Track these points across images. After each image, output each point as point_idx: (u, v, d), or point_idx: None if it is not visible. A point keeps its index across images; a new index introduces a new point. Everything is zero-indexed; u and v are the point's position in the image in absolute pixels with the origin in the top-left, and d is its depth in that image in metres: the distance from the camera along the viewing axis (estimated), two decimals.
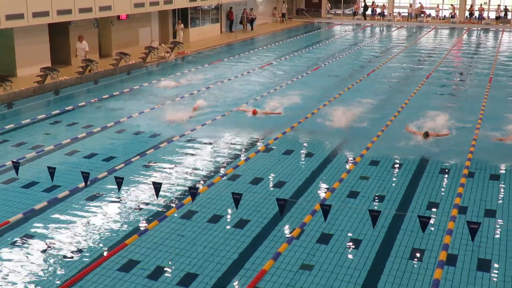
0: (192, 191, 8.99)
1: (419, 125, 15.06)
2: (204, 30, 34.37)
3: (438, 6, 45.29)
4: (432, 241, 8.99)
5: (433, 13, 45.76)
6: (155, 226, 9.45)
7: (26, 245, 8.87)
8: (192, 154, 13.21)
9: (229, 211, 10.09)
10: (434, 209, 10.26)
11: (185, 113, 16.19)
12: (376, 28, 42.95)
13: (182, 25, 30.75)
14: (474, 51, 31.36)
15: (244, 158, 12.93)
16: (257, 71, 24.22)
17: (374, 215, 8.02)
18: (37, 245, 8.89)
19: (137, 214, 10.05)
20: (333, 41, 35.24)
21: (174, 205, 10.36)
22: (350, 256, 8.60)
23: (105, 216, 9.93)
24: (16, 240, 9.02)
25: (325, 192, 11.02)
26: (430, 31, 40.10)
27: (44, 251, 8.70)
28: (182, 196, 10.74)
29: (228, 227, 9.56)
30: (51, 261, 8.41)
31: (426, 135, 13.94)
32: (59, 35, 23.29)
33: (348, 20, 45.92)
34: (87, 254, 8.61)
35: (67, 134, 14.76)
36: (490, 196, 10.78)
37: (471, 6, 44.61)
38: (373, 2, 46.03)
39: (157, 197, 9.33)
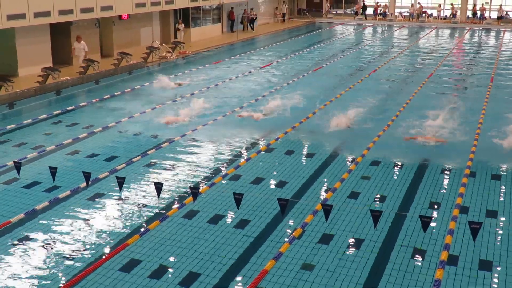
0: (194, 191, 9.00)
1: (420, 125, 15.04)
2: (205, 30, 34.39)
3: (439, 6, 45.25)
4: (433, 241, 8.99)
5: (435, 13, 45.73)
6: (156, 226, 9.46)
7: (27, 245, 8.88)
8: (193, 154, 13.21)
9: (231, 211, 10.09)
10: (435, 209, 10.26)
11: (184, 114, 16.16)
12: (377, 28, 42.92)
13: (182, 24, 30.75)
14: (475, 51, 31.33)
15: (245, 158, 12.93)
16: (258, 71, 24.22)
17: (376, 215, 8.02)
18: (38, 245, 8.90)
19: (138, 214, 10.05)
20: (334, 41, 35.23)
21: (175, 205, 10.36)
22: (351, 256, 8.60)
23: (106, 216, 9.94)
24: (18, 240, 9.02)
25: (327, 192, 11.02)
26: (431, 31, 40.08)
27: (45, 251, 8.71)
28: (184, 196, 10.75)
29: (229, 227, 9.56)
30: (53, 261, 8.42)
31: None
32: (60, 35, 23.32)
33: (350, 20, 45.90)
34: (89, 254, 8.62)
35: (68, 134, 14.77)
36: (491, 196, 10.78)
37: (474, 6, 44.53)
38: (377, 3, 45.97)
39: (159, 197, 9.34)
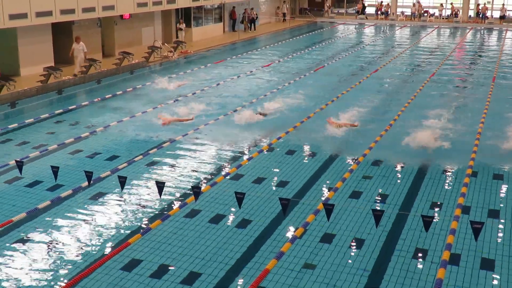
0: (195, 191, 9.01)
1: (422, 124, 15.04)
2: (207, 29, 34.38)
3: (441, 6, 45.20)
4: (435, 240, 8.98)
5: (437, 13, 45.67)
6: (158, 226, 9.47)
7: (29, 244, 8.89)
8: (195, 154, 13.21)
9: (232, 210, 10.09)
10: (437, 209, 10.25)
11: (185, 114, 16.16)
12: (379, 27, 42.89)
13: (183, 24, 30.75)
14: (477, 50, 31.29)
15: (247, 157, 12.93)
16: (260, 70, 24.21)
17: (377, 215, 8.02)
18: (40, 244, 8.91)
19: (140, 213, 10.06)
20: (336, 41, 35.21)
21: (177, 205, 10.37)
22: (353, 256, 8.60)
23: (108, 215, 9.94)
24: (20, 239, 9.04)
25: (328, 192, 11.02)
26: (433, 31, 40.04)
27: (47, 250, 8.72)
28: (185, 196, 10.75)
29: (231, 226, 9.57)
30: (55, 260, 8.43)
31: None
32: (62, 34, 23.32)
33: (351, 19, 45.87)
34: (91, 253, 8.63)
35: (70, 133, 14.78)
36: (493, 196, 10.76)
37: (478, 5, 44.38)
38: (381, 2, 45.89)
39: (160, 196, 9.35)
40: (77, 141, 14.08)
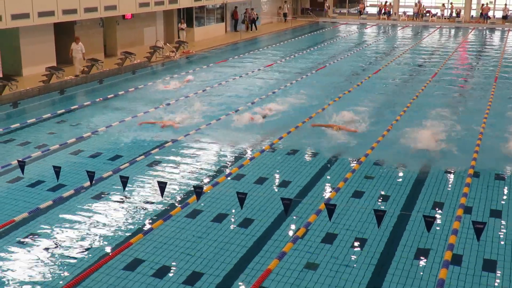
0: (197, 190, 9.00)
1: (424, 124, 15.02)
2: (209, 29, 34.39)
3: (443, 6, 45.16)
4: (437, 241, 8.97)
5: (439, 13, 45.63)
6: (160, 225, 9.47)
7: (31, 244, 8.90)
8: (197, 154, 13.22)
9: (234, 210, 10.09)
10: (439, 209, 10.24)
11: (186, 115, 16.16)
12: (381, 27, 42.86)
13: (184, 24, 30.76)
14: (479, 50, 31.25)
15: (249, 157, 12.93)
16: (262, 70, 24.21)
17: (379, 215, 8.01)
18: (42, 244, 8.92)
19: (142, 213, 10.06)
20: (338, 41, 35.19)
21: (179, 205, 10.37)
22: (355, 256, 8.59)
23: (110, 215, 9.95)
24: (22, 239, 9.05)
25: (330, 192, 11.01)
26: (435, 31, 40.00)
27: (49, 250, 8.73)
28: (187, 195, 10.75)
29: (233, 226, 9.57)
30: (56, 259, 8.44)
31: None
32: (64, 34, 23.35)
33: (353, 19, 45.85)
34: (92, 253, 8.63)
35: (72, 133, 14.79)
36: (495, 196, 10.75)
37: (483, 5, 44.25)
38: (385, 2, 45.82)
39: (162, 196, 9.35)
40: (79, 141, 14.09)
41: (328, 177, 11.86)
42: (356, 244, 8.96)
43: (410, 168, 12.23)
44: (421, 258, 8.54)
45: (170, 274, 8.07)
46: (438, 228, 9.36)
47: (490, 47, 32.68)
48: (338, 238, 9.11)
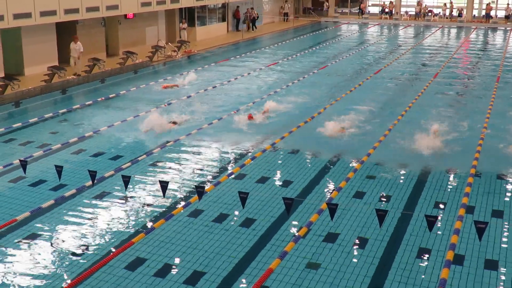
0: (199, 190, 9.01)
1: (425, 124, 15.00)
2: (210, 29, 34.40)
3: (444, 5, 45.09)
4: (439, 240, 8.97)
5: (441, 12, 45.56)
6: (161, 225, 9.47)
7: (33, 243, 8.91)
8: (199, 153, 13.22)
9: (236, 210, 10.10)
10: (441, 209, 10.23)
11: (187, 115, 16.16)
12: (383, 27, 42.82)
13: (186, 24, 30.76)
14: (481, 50, 31.21)
15: (251, 157, 12.93)
16: (264, 70, 24.21)
17: (381, 215, 8.01)
18: (44, 243, 8.93)
19: (143, 212, 10.07)
20: (340, 40, 35.17)
21: (180, 204, 10.37)
22: (356, 255, 8.59)
23: (112, 215, 9.96)
24: (23, 238, 9.06)
25: (332, 191, 11.01)
26: (437, 30, 39.96)
27: (51, 249, 8.74)
28: (189, 195, 10.76)
29: (234, 226, 9.57)
30: (58, 259, 8.45)
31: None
32: (66, 34, 23.36)
33: (355, 19, 45.82)
34: (94, 252, 8.64)
35: (74, 132, 14.80)
36: (497, 196, 10.73)
37: (488, 4, 44.11)
38: (390, 2, 45.77)
39: (164, 195, 9.35)
40: (81, 141, 14.11)
41: (330, 176, 11.86)
42: (357, 243, 8.95)
43: (411, 167, 12.22)
44: (423, 257, 8.53)
45: (172, 273, 8.08)
46: (439, 227, 9.35)
47: (492, 47, 32.63)
48: (339, 237, 9.11)
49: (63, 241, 9.01)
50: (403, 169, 12.19)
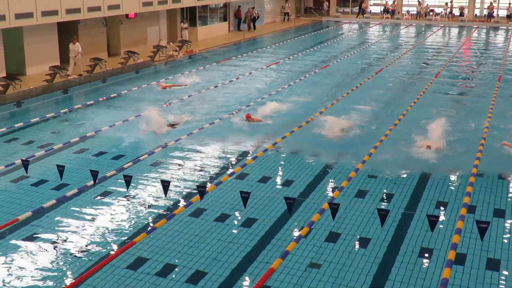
0: (201, 190, 9.01)
1: (427, 123, 14.99)
2: (212, 28, 34.40)
3: (446, 5, 45.04)
4: (440, 240, 8.96)
5: (443, 11, 45.50)
6: (163, 225, 9.48)
7: (35, 243, 8.92)
8: (200, 153, 13.22)
9: (237, 209, 10.10)
10: (442, 208, 10.22)
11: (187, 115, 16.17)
12: (384, 26, 42.78)
13: (187, 23, 30.76)
14: (483, 49, 31.17)
15: (252, 156, 12.93)
16: (266, 69, 24.21)
17: (383, 214, 8.00)
18: (46, 243, 8.94)
19: (145, 212, 10.08)
20: (341, 40, 35.15)
21: (182, 204, 10.37)
22: (358, 255, 8.59)
23: (113, 214, 9.96)
24: (25, 238, 9.07)
25: (333, 191, 11.00)
26: (438, 30, 39.91)
27: (53, 249, 8.74)
28: (190, 195, 10.76)
29: (236, 225, 9.57)
30: (60, 258, 8.46)
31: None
32: (67, 34, 23.37)
33: (357, 18, 45.77)
34: (96, 252, 8.65)
35: (75, 132, 14.81)
36: (499, 195, 10.73)
37: (491, 3, 44.01)
38: (393, 1, 45.71)
39: (166, 195, 9.35)
40: (83, 140, 14.12)
41: (331, 176, 11.86)
42: (359, 243, 8.95)
43: (413, 167, 12.20)
44: (425, 257, 8.53)
45: (174, 273, 8.08)
46: (441, 227, 9.35)
47: (494, 46, 32.59)
48: (341, 237, 9.10)
49: (65, 240, 9.01)
50: (405, 169, 12.18)
